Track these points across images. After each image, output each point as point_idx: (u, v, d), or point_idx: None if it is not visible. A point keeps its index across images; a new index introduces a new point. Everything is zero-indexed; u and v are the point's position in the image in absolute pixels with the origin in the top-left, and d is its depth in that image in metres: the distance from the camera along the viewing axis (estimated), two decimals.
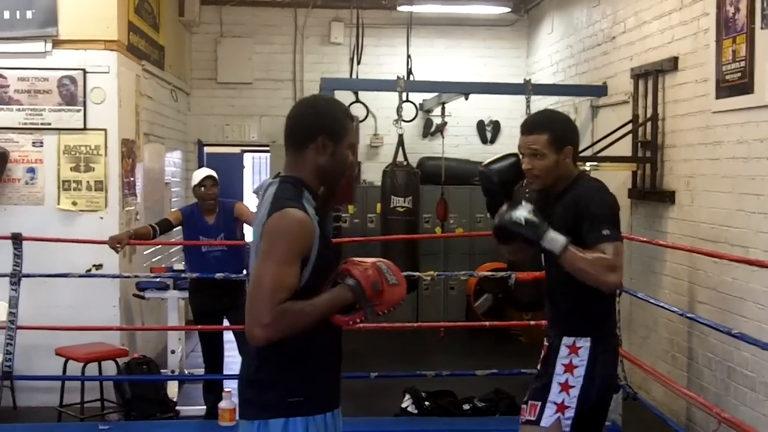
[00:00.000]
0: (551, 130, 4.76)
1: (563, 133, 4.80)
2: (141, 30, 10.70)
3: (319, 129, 3.81)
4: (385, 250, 11.79)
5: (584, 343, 4.68)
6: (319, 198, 3.88)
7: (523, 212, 4.55)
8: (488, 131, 15.19)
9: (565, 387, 4.67)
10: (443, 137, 13.46)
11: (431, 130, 14.97)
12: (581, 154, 9.99)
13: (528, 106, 10.89)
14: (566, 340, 4.74)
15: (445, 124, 13.50)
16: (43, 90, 9.39)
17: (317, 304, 3.66)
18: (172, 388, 9.57)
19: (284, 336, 3.62)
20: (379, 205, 12.18)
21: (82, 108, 9.42)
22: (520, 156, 4.90)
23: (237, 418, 3.94)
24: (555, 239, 4.46)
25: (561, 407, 4.66)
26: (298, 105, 4.00)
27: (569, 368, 4.69)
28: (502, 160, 5.11)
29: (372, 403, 9.61)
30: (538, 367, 4.99)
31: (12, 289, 8.38)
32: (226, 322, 8.89)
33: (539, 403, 4.74)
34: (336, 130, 3.84)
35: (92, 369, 8.81)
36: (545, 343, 4.96)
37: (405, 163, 11.55)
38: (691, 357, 8.47)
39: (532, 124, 4.86)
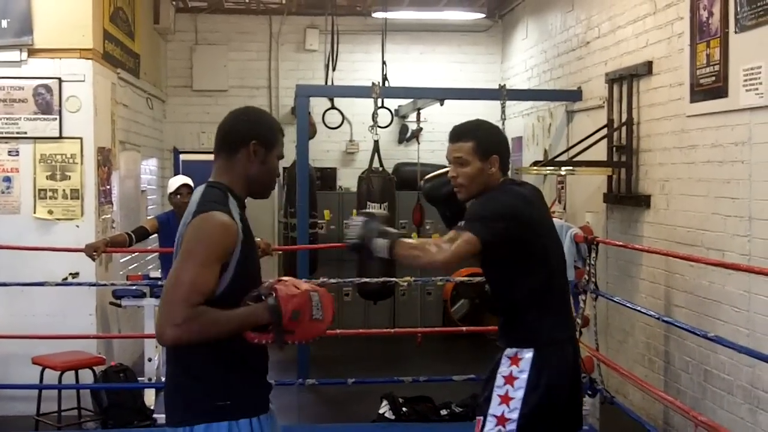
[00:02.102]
0: (476, 138, 4.72)
1: (488, 143, 4.74)
2: (116, 38, 10.68)
3: (252, 135, 3.93)
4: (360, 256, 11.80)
5: (527, 354, 4.59)
6: (243, 205, 3.97)
7: (354, 231, 4.52)
8: None
9: (505, 399, 4.57)
10: (419, 143, 13.48)
11: (407, 136, 15.01)
12: (556, 159, 10.04)
13: (503, 112, 10.92)
14: (508, 351, 4.66)
15: (420, 129, 13.52)
16: (19, 99, 9.36)
17: (232, 317, 3.67)
18: (150, 396, 9.53)
19: (193, 340, 3.62)
20: (355, 212, 12.18)
21: (57, 116, 9.39)
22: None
23: None
24: (380, 244, 4.44)
25: (501, 420, 4.55)
26: (231, 113, 4.08)
27: (509, 380, 4.59)
28: (436, 178, 5.14)
29: (349, 409, 9.64)
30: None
31: None
32: None
33: (482, 418, 4.64)
34: (268, 139, 3.98)
35: (69, 377, 8.78)
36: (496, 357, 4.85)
37: (381, 169, 11.59)
38: (668, 360, 8.49)
39: (458, 132, 4.81)
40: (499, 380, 4.62)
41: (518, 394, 4.55)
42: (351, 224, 4.58)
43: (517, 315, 4.65)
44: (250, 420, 3.80)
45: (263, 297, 3.72)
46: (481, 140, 4.72)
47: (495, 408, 4.58)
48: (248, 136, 3.92)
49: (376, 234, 4.48)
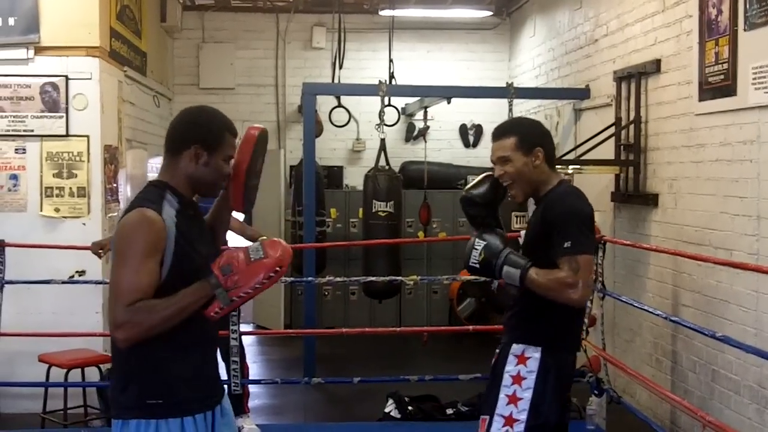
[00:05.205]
0: (517, 134, 4.70)
1: (530, 136, 4.73)
2: (123, 36, 10.67)
3: (194, 138, 3.94)
4: (367, 255, 11.81)
5: (533, 354, 4.54)
6: (188, 202, 3.98)
7: (475, 254, 4.60)
8: (471, 135, 15.18)
9: (513, 399, 4.51)
10: (426, 141, 13.47)
11: (414, 135, 14.97)
12: (564, 158, 10.01)
13: (510, 110, 10.87)
14: (515, 349, 4.61)
15: (427, 128, 13.49)
16: (26, 97, 9.35)
17: (171, 300, 3.70)
18: None
19: (145, 334, 3.68)
20: (361, 210, 12.19)
21: (64, 114, 9.38)
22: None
23: None
24: (510, 273, 4.46)
25: (509, 420, 4.49)
26: (180, 113, 4.12)
27: (517, 379, 4.53)
28: (481, 183, 4.92)
29: (355, 407, 9.64)
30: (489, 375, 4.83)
31: None
32: None
33: (488, 417, 4.58)
34: (211, 142, 3.95)
35: (75, 375, 8.77)
36: (497, 350, 4.81)
37: (387, 167, 11.57)
38: (676, 360, 8.47)
39: (499, 131, 4.80)
40: (507, 379, 4.56)
41: (526, 394, 4.50)
42: (474, 245, 4.65)
43: (535, 312, 4.58)
44: (181, 419, 3.84)
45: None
46: (522, 134, 4.71)
47: (503, 408, 4.53)
48: (191, 139, 3.93)
49: (504, 261, 4.52)
